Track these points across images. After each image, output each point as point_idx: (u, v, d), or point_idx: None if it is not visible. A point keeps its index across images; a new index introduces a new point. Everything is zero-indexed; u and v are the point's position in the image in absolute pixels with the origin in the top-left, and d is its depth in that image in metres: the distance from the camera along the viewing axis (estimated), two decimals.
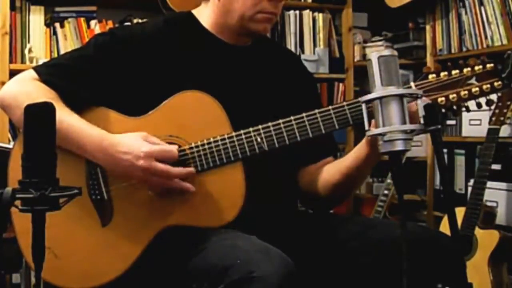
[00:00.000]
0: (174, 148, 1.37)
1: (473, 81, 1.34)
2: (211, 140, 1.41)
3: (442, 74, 1.36)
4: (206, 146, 1.41)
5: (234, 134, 1.41)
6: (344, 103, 1.40)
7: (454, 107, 1.37)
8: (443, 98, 1.35)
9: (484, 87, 1.33)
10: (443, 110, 1.37)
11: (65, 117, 1.39)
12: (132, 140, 1.37)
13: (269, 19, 1.52)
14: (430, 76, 1.37)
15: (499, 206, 2.83)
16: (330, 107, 1.40)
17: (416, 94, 1.22)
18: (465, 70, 1.35)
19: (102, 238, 1.41)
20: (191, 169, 1.39)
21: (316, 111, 1.40)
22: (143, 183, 1.39)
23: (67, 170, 1.40)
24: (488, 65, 1.34)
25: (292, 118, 1.40)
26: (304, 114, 1.40)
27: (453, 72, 1.36)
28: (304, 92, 1.66)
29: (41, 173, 0.99)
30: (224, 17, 1.54)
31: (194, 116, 1.44)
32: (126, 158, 1.36)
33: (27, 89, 1.45)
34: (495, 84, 1.33)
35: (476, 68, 1.34)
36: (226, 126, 1.42)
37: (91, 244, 1.41)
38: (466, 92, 1.33)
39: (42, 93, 1.43)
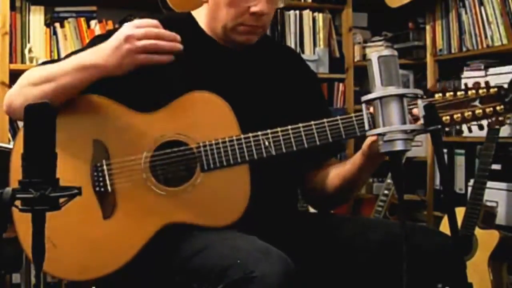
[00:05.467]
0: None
1: (477, 103, 1.39)
2: (219, 140, 1.42)
3: (447, 94, 1.40)
4: (214, 146, 1.41)
5: (242, 136, 1.42)
6: (353, 115, 1.42)
7: (457, 127, 1.42)
8: (448, 117, 1.39)
9: (487, 110, 1.38)
10: (447, 129, 1.42)
11: (56, 65, 1.42)
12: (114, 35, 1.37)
13: (250, 31, 1.51)
14: (437, 95, 1.41)
15: (499, 206, 2.83)
16: (338, 117, 1.43)
17: (416, 94, 1.22)
18: (469, 92, 1.40)
19: (103, 230, 1.41)
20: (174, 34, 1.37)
21: (325, 120, 1.42)
22: (134, 62, 1.36)
23: (73, 161, 1.41)
24: (491, 89, 1.39)
25: (300, 125, 1.42)
26: (312, 122, 1.42)
27: (458, 93, 1.40)
28: (306, 89, 1.66)
29: (41, 173, 0.99)
30: (213, 22, 1.55)
31: (203, 116, 1.44)
32: (110, 46, 1.35)
33: (18, 90, 1.47)
34: (498, 108, 1.38)
35: (480, 91, 1.39)
36: (234, 128, 1.43)
37: (91, 236, 1.40)
38: (470, 113, 1.38)
39: (30, 83, 1.44)
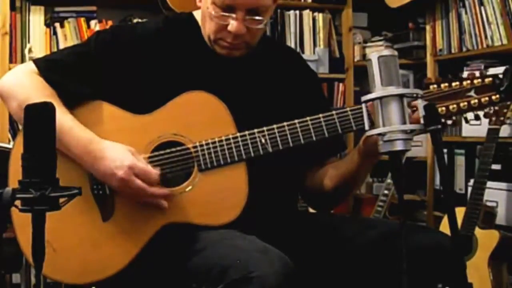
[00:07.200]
0: (156, 172, 1.38)
1: (472, 93, 1.39)
2: (216, 139, 1.42)
3: (442, 85, 1.40)
4: (211, 146, 1.42)
5: (238, 134, 1.42)
6: (348, 108, 1.42)
7: (454, 118, 1.42)
8: (443, 108, 1.38)
9: (483, 100, 1.38)
10: (443, 120, 1.40)
11: (58, 117, 1.39)
12: (119, 150, 1.38)
13: (231, 47, 1.50)
14: (431, 87, 1.41)
15: (499, 206, 2.83)
16: (334, 112, 1.42)
17: (416, 94, 1.22)
18: (464, 82, 1.39)
19: (102, 233, 1.41)
20: (167, 190, 1.39)
21: (320, 115, 1.42)
22: (119, 191, 1.39)
23: (71, 164, 1.41)
24: (486, 79, 1.38)
25: (296, 121, 1.42)
26: (308, 118, 1.42)
27: (453, 84, 1.40)
28: (307, 89, 1.65)
29: (41, 173, 0.99)
30: (202, 29, 1.54)
31: (199, 115, 1.45)
32: (108, 164, 1.37)
33: (25, 82, 1.46)
34: (493, 97, 1.38)
35: (475, 81, 1.39)
36: (230, 127, 1.43)
37: (90, 238, 1.41)
38: (465, 103, 1.38)
39: (38, 89, 1.44)
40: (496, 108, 1.42)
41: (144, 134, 1.44)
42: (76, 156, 1.41)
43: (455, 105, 1.38)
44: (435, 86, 1.40)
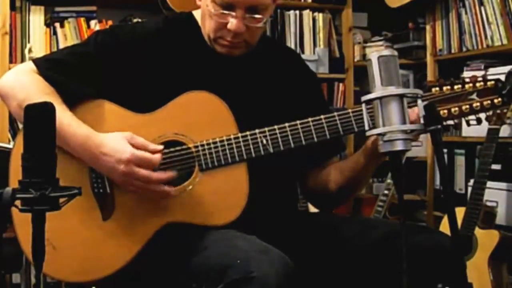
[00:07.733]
0: (156, 156, 1.37)
1: (474, 96, 1.39)
2: (217, 139, 1.42)
3: (444, 88, 1.40)
4: (212, 145, 1.42)
5: (240, 135, 1.42)
6: (349, 110, 1.42)
7: (456, 121, 1.43)
8: (445, 111, 1.38)
9: (485, 103, 1.38)
10: (444, 123, 1.40)
11: (58, 114, 1.40)
12: (115, 142, 1.38)
13: (230, 46, 1.50)
14: (434, 90, 1.41)
15: (499, 206, 2.83)
16: (335, 113, 1.42)
17: (416, 94, 1.22)
18: (467, 85, 1.39)
19: (102, 231, 1.41)
20: (172, 173, 1.39)
21: (322, 116, 1.42)
22: (124, 186, 1.39)
23: (71, 162, 1.42)
24: (489, 82, 1.38)
25: (298, 122, 1.42)
26: (310, 119, 1.42)
27: (456, 87, 1.40)
28: (306, 89, 1.65)
29: (41, 173, 0.99)
30: (202, 28, 1.54)
31: (200, 115, 1.45)
32: (108, 160, 1.37)
33: (25, 81, 1.46)
34: (495, 101, 1.38)
35: (478, 84, 1.38)
36: (232, 127, 1.43)
37: (90, 237, 1.41)
38: (467, 106, 1.38)
39: (38, 88, 1.44)
40: (498, 111, 1.41)
41: (145, 133, 1.44)
42: (76, 153, 1.41)
43: (457, 108, 1.38)
44: (437, 89, 1.40)
